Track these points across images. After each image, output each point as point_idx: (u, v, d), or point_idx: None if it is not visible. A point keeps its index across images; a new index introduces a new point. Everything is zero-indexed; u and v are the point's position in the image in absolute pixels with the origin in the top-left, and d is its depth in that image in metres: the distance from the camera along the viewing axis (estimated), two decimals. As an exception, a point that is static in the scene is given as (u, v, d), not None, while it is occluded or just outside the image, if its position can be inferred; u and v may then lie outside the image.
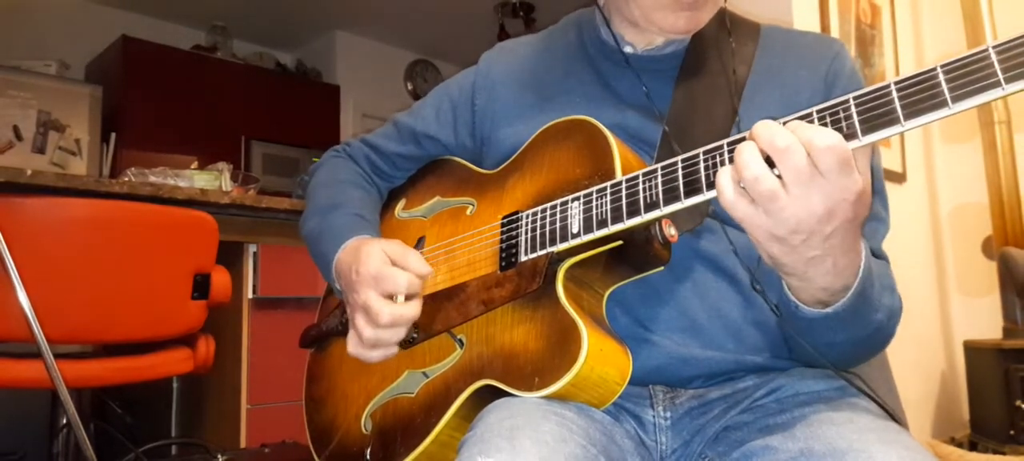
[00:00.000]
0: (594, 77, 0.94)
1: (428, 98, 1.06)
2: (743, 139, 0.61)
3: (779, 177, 0.57)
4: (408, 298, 0.84)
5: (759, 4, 2.15)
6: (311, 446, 0.98)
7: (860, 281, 0.65)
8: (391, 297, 0.84)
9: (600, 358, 0.70)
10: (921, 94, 0.53)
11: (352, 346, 0.87)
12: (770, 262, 0.63)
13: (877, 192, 0.85)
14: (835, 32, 2.30)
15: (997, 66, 0.50)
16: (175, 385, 2.54)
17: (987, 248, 2.92)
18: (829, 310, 0.66)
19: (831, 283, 0.64)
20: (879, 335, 0.74)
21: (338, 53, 5.12)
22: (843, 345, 0.71)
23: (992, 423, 2.52)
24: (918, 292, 2.78)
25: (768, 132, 0.57)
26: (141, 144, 3.92)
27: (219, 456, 1.86)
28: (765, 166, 0.57)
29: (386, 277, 0.83)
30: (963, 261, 3.00)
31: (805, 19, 2.18)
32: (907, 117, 0.54)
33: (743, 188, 0.59)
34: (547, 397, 0.70)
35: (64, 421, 1.84)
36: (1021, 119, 2.76)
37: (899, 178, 2.66)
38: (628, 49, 0.93)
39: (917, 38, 2.90)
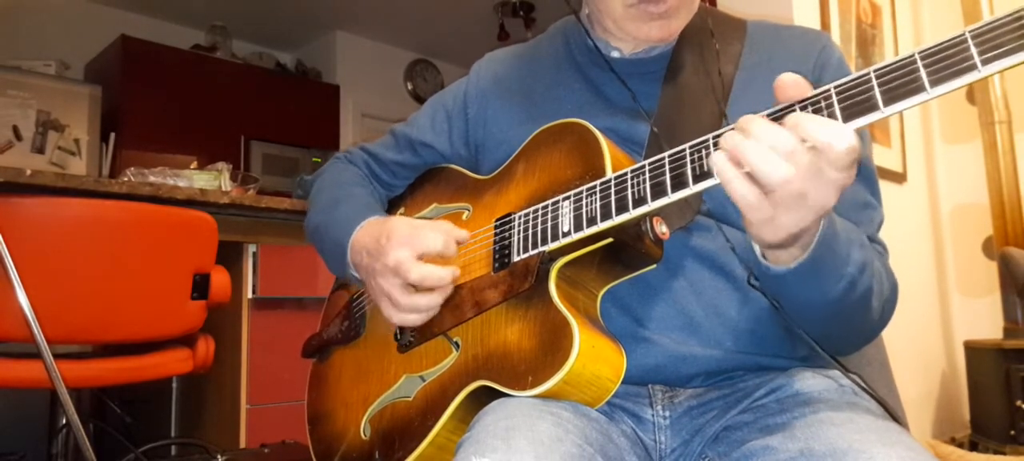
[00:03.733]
0: (583, 84, 0.94)
1: (424, 108, 1.08)
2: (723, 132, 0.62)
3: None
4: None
5: (760, 5, 2.16)
6: (314, 458, 0.97)
7: (823, 227, 0.63)
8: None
9: (593, 355, 0.70)
10: (900, 80, 0.54)
11: (387, 310, 0.85)
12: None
13: (865, 178, 0.85)
14: (836, 32, 2.30)
15: (973, 49, 0.51)
16: (175, 385, 2.54)
17: (987, 248, 2.92)
18: (795, 264, 0.64)
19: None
20: (858, 300, 0.70)
21: (338, 53, 5.11)
22: (821, 305, 0.69)
23: (992, 423, 2.52)
24: (918, 292, 2.78)
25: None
26: (140, 144, 3.91)
27: (219, 456, 1.86)
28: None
29: (420, 236, 0.82)
30: (963, 261, 3.00)
31: (806, 19, 2.18)
32: (886, 103, 0.55)
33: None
34: (541, 395, 0.70)
35: (63, 421, 1.84)
36: (1021, 119, 2.76)
37: (899, 178, 2.66)
38: (615, 54, 0.94)
39: (918, 38, 2.90)
